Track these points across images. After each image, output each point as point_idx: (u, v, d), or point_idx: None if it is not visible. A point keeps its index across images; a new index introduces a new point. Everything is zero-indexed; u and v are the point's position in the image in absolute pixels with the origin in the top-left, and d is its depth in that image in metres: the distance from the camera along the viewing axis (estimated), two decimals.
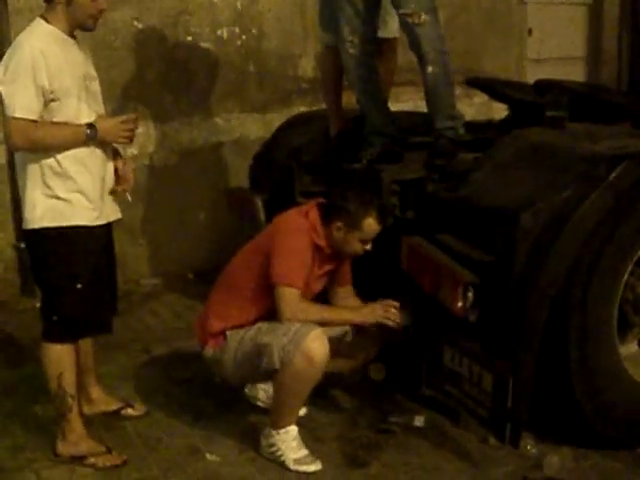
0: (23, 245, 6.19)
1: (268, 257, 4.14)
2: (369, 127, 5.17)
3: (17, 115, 3.93)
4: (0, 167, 6.45)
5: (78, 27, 4.11)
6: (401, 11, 4.98)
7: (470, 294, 3.87)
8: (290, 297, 4.06)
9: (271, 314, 4.14)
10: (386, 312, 4.21)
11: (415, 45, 4.98)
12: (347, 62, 5.15)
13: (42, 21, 4.05)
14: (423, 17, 4.93)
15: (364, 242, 4.22)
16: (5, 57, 4.05)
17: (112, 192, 4.26)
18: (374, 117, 5.18)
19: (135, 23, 6.63)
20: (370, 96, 5.19)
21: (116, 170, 4.29)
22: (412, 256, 4.25)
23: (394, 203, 4.56)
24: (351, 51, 5.10)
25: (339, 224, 4.18)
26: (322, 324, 4.10)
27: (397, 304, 4.23)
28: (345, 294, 4.51)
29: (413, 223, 4.47)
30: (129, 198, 4.37)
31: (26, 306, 6.28)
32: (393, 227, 4.41)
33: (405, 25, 5.00)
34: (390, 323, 4.22)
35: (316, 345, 3.99)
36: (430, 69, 4.98)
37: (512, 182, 4.14)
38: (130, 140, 4.19)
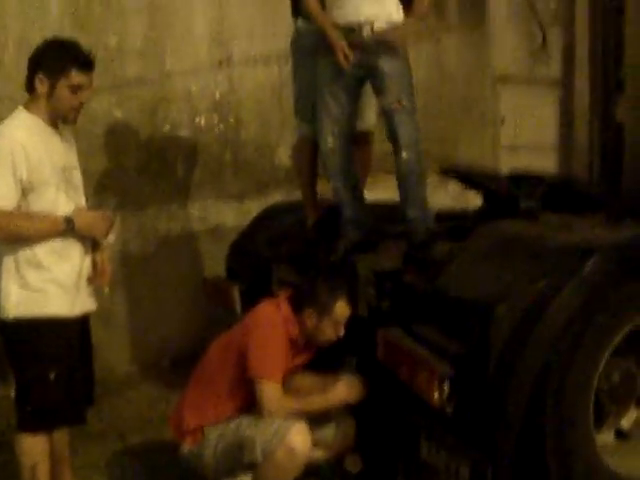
0: None
1: (243, 353, 4.16)
2: (345, 217, 5.21)
3: None
4: None
5: (59, 119, 4.15)
6: (383, 99, 5.07)
7: (446, 386, 3.87)
8: (271, 391, 4.08)
9: (247, 407, 4.14)
10: (353, 389, 4.28)
11: (392, 131, 5.06)
12: (326, 152, 5.20)
13: (24, 111, 4.09)
14: (404, 103, 5.04)
15: (336, 327, 4.24)
16: None
17: (89, 282, 4.26)
18: (350, 207, 5.23)
19: (114, 111, 6.69)
20: (347, 186, 5.24)
21: (94, 261, 4.30)
22: (388, 347, 4.26)
23: (370, 294, 4.58)
24: (330, 142, 5.16)
25: (310, 311, 4.22)
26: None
27: (357, 379, 4.28)
28: (302, 379, 4.50)
29: (389, 314, 4.49)
30: (106, 290, 4.37)
31: (1, 394, 6.22)
32: (369, 318, 4.43)
33: (385, 112, 5.09)
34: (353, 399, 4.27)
35: (299, 439, 4.03)
36: (405, 155, 5.05)
37: (487, 273, 4.17)
38: (106, 235, 4.21)
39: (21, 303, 4.04)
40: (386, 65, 5.05)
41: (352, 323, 4.32)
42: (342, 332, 4.26)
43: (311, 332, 4.25)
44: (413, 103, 5.12)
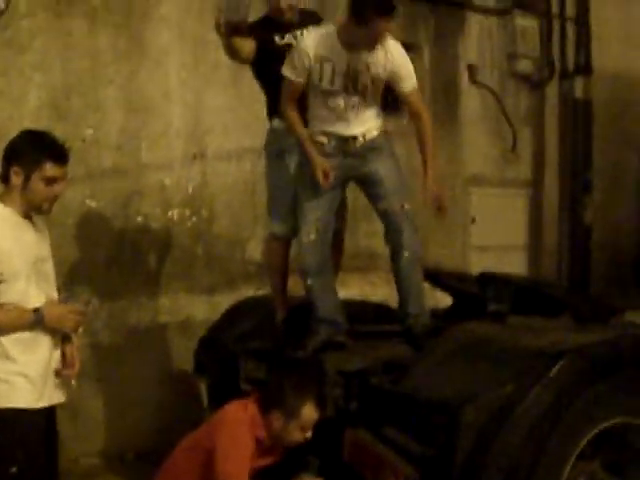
0: None
1: (210, 454, 4.11)
2: (316, 314, 5.22)
3: None
4: None
5: (33, 210, 4.16)
6: (383, 203, 5.19)
7: None
8: None
9: None
10: None
11: (394, 232, 5.20)
12: (307, 247, 5.23)
13: None
14: (406, 207, 5.19)
15: (303, 430, 4.21)
16: None
17: (56, 374, 4.24)
18: (323, 304, 5.24)
19: (87, 202, 6.72)
20: (322, 283, 5.26)
21: (63, 352, 4.28)
22: (355, 448, 4.25)
23: (338, 394, 4.57)
24: (312, 237, 5.20)
25: (277, 414, 4.18)
26: None
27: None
28: None
29: (356, 415, 4.48)
30: (73, 383, 4.33)
31: None
32: (336, 418, 4.42)
33: (385, 215, 5.21)
34: None
35: None
36: (407, 254, 5.17)
37: (454, 375, 4.19)
38: (76, 330, 4.19)
39: None
40: (381, 170, 5.20)
41: (319, 423, 4.30)
42: (310, 435, 4.22)
43: (278, 434, 4.21)
44: (410, 204, 5.26)
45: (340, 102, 5.08)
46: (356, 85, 5.05)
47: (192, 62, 7.15)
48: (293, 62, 5.05)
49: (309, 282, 5.23)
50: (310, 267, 5.23)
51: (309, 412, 4.18)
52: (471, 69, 8.96)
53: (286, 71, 5.07)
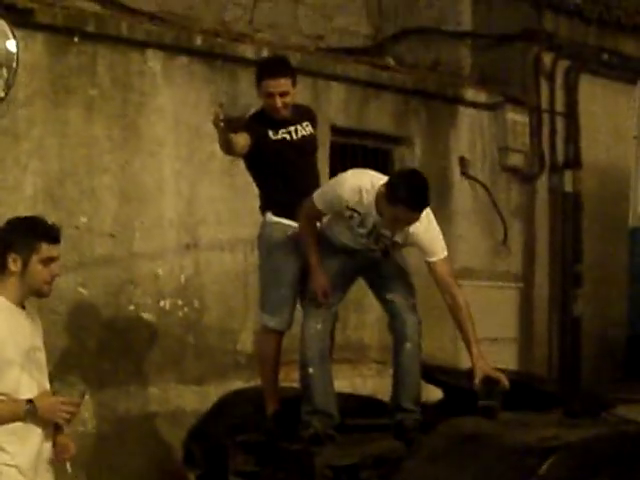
0: None
1: None
2: (310, 405, 5.20)
3: None
4: None
5: (33, 294, 4.18)
6: (388, 295, 5.29)
7: None
8: None
9: None
10: None
11: (397, 323, 5.29)
12: (309, 338, 5.27)
13: None
14: (412, 302, 5.32)
15: None
16: None
17: (56, 458, 4.21)
18: (320, 395, 5.23)
19: (80, 289, 6.72)
20: (322, 373, 5.28)
21: (57, 440, 4.25)
22: None
23: None
24: (319, 327, 5.25)
25: None
26: None
27: None
28: None
29: None
30: (69, 469, 4.31)
31: None
32: None
33: (392, 305, 5.31)
34: None
35: None
36: (408, 346, 5.25)
37: (444, 473, 4.18)
38: (68, 422, 4.17)
39: None
40: (390, 265, 5.33)
41: None
42: None
43: None
44: (415, 298, 5.36)
45: (360, 238, 5.19)
46: (377, 243, 5.19)
47: (187, 152, 7.22)
48: (327, 196, 5.18)
49: (310, 371, 5.24)
50: (313, 356, 5.26)
51: None
52: (462, 162, 9.04)
53: (317, 197, 5.20)
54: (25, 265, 4.07)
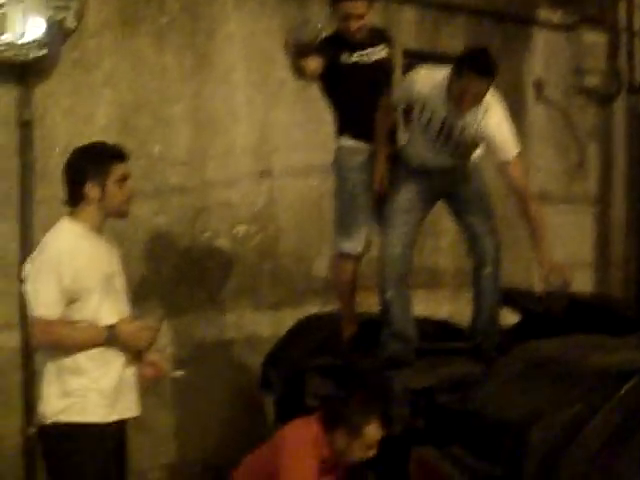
0: (31, 431, 6.22)
1: (272, 474, 4.12)
2: (389, 329, 5.22)
3: (39, 314, 4.02)
4: (14, 351, 6.51)
5: (113, 217, 4.26)
6: (468, 218, 5.33)
7: None
8: None
9: None
10: None
11: (477, 247, 5.33)
12: (391, 260, 5.28)
13: (69, 220, 4.17)
14: (492, 224, 5.35)
15: (367, 448, 4.19)
16: (33, 255, 4.17)
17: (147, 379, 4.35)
18: (398, 319, 5.25)
19: (155, 218, 6.80)
20: (401, 298, 5.29)
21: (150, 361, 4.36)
22: (421, 467, 4.23)
23: (404, 412, 4.57)
24: (397, 250, 5.25)
25: (341, 432, 4.17)
26: None
27: None
28: None
29: (423, 433, 4.47)
30: (180, 374, 4.39)
31: None
32: (402, 436, 4.41)
33: (472, 229, 5.34)
34: None
35: None
36: (489, 269, 5.29)
37: (522, 395, 4.17)
38: (149, 347, 4.24)
39: (60, 409, 4.06)
40: (469, 189, 5.33)
41: (384, 440, 4.29)
42: (373, 453, 4.21)
43: (341, 452, 4.21)
44: (494, 221, 5.36)
45: (434, 142, 5.13)
46: (448, 140, 5.10)
47: (258, 79, 7.19)
48: (402, 86, 5.25)
49: (388, 295, 5.25)
50: (391, 280, 5.26)
51: (373, 431, 4.17)
52: (537, 85, 8.90)
53: (395, 91, 5.29)
54: (103, 190, 4.13)
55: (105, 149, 4.25)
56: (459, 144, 5.10)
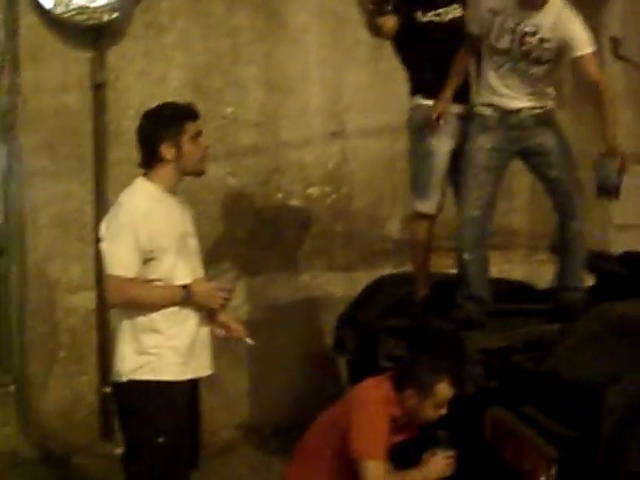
0: (106, 390, 6.33)
1: (345, 432, 4.13)
2: (465, 291, 5.19)
3: (115, 273, 4.06)
4: (89, 312, 6.61)
5: (191, 174, 4.28)
6: (550, 172, 5.21)
7: (553, 470, 3.82)
8: (374, 470, 4.05)
9: None
10: (449, 464, 4.17)
11: (561, 203, 5.24)
12: (469, 223, 5.22)
13: (144, 180, 4.20)
14: (576, 177, 5.25)
15: (438, 408, 4.18)
16: (108, 215, 4.22)
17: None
18: (474, 281, 5.20)
19: (227, 179, 6.83)
20: (478, 260, 5.23)
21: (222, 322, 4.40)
22: (495, 427, 4.22)
23: (478, 372, 4.55)
24: (475, 213, 5.19)
25: (412, 392, 4.16)
26: None
27: (453, 454, 4.19)
28: None
29: (497, 393, 4.45)
30: (251, 342, 4.43)
31: (105, 451, 6.33)
32: (476, 397, 4.40)
33: (557, 183, 5.23)
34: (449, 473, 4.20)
35: None
36: (575, 225, 5.21)
37: (598, 356, 4.13)
38: (223, 307, 4.26)
39: (136, 367, 4.11)
40: (550, 141, 5.21)
41: (458, 400, 4.27)
42: (444, 412, 4.19)
43: (412, 412, 4.20)
44: (576, 176, 5.27)
45: (506, 64, 5.05)
46: (522, 47, 5.01)
47: (331, 40, 7.14)
48: (472, 11, 5.20)
49: (466, 257, 5.19)
50: (469, 242, 5.21)
51: (444, 390, 4.14)
52: (614, 42, 8.72)
53: (467, 15, 5.23)
54: (178, 150, 4.14)
55: (176, 109, 4.25)
56: (532, 56, 5.03)
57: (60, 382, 6.62)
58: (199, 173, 4.30)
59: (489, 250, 5.40)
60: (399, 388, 4.19)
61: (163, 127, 4.15)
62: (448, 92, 5.27)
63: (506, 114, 5.15)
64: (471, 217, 5.19)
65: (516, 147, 5.23)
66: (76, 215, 6.56)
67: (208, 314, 4.29)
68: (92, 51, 6.55)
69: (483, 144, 5.17)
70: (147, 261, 4.08)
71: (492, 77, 5.15)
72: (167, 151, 4.14)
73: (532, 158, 5.29)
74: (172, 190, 4.23)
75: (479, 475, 4.29)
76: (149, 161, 4.20)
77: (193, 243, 4.32)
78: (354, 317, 5.86)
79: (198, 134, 4.20)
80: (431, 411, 4.17)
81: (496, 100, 5.15)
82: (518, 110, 5.14)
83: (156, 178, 4.18)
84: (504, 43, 5.03)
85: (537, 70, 5.09)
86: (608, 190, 4.94)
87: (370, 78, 7.21)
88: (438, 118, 5.24)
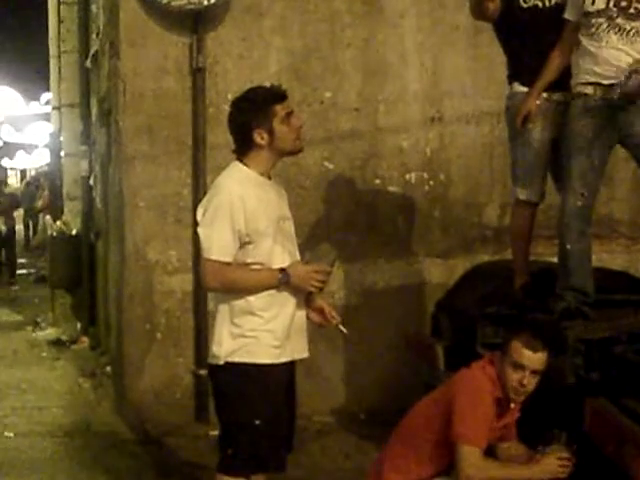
0: (201, 372, 6.39)
1: (448, 415, 4.11)
2: (566, 281, 5.08)
3: (212, 257, 4.07)
4: (186, 294, 6.68)
5: (288, 154, 4.28)
6: None
7: None
8: (471, 456, 4.02)
9: (449, 471, 4.11)
10: (562, 467, 4.07)
11: None
12: (570, 213, 5.11)
13: (240, 165, 4.19)
14: None
15: (515, 370, 4.09)
16: (205, 199, 4.22)
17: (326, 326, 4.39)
18: (576, 272, 5.08)
19: (325, 164, 6.83)
20: (581, 251, 5.12)
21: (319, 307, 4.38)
22: (595, 419, 4.14)
23: (579, 363, 4.47)
24: (579, 203, 5.06)
25: (497, 357, 4.15)
26: None
27: (570, 456, 4.08)
28: (510, 449, 4.38)
29: (598, 385, 4.36)
30: (344, 331, 4.42)
31: (200, 432, 6.40)
32: (577, 387, 4.32)
33: None
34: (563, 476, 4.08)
35: None
36: None
37: None
38: (321, 289, 4.24)
39: (233, 350, 4.12)
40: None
41: (560, 392, 4.20)
42: (525, 378, 4.10)
43: (504, 385, 4.15)
44: None
45: (603, 24, 4.87)
46: (621, 3, 4.84)
47: (429, 24, 7.08)
48: None
49: (568, 247, 5.07)
50: (572, 233, 5.07)
51: (518, 347, 4.07)
52: None
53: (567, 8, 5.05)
54: (271, 134, 4.12)
55: (264, 93, 4.23)
56: (631, 10, 4.82)
57: (156, 364, 6.71)
58: (296, 151, 4.27)
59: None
60: (498, 368, 4.17)
61: (253, 114, 4.14)
62: (540, 87, 5.10)
63: (606, 90, 4.92)
64: (575, 207, 5.06)
65: (618, 128, 5.01)
66: (174, 198, 6.63)
67: (305, 298, 4.28)
68: (191, 36, 6.61)
69: (584, 126, 5.02)
70: (244, 245, 4.08)
71: (590, 45, 4.92)
72: (260, 137, 4.13)
73: (629, 141, 5.05)
74: (267, 173, 4.23)
75: (578, 467, 4.20)
76: (243, 148, 4.20)
77: (289, 226, 4.31)
78: (452, 304, 5.80)
79: (289, 114, 4.16)
80: (510, 372, 4.09)
81: (597, 69, 4.91)
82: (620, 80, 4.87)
83: (251, 163, 4.18)
84: (600, 3, 4.87)
85: (637, 24, 4.91)
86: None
87: (469, 63, 7.13)
88: (525, 118, 5.11)
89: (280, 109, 4.14)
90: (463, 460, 4.02)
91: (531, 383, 4.11)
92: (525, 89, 5.27)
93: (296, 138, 4.19)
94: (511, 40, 5.38)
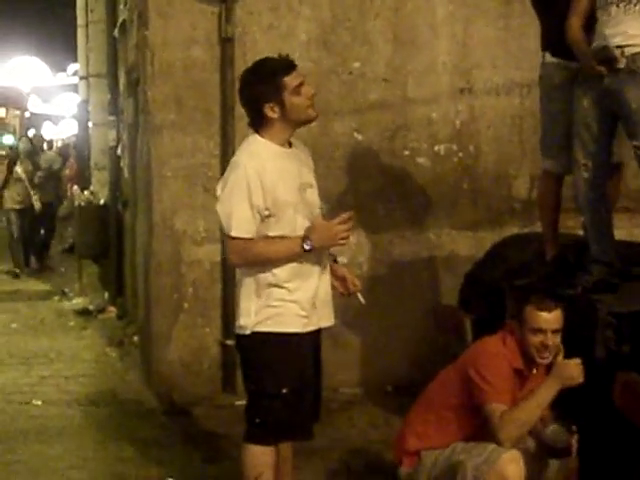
0: (229, 342, 6.40)
1: (467, 382, 4.15)
2: (590, 254, 5.05)
3: (233, 234, 4.08)
4: (214, 265, 6.68)
5: (302, 124, 4.24)
6: (636, 142, 4.89)
7: None
8: (497, 412, 4.04)
9: (468, 437, 4.15)
10: (576, 370, 4.11)
11: None
12: (579, 185, 5.06)
13: (257, 137, 4.18)
14: None
15: (535, 335, 4.13)
16: (224, 176, 4.23)
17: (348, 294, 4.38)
18: (597, 244, 5.05)
19: (354, 135, 6.79)
20: (596, 222, 5.07)
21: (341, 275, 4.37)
22: (626, 393, 4.12)
23: (609, 336, 4.44)
24: (585, 175, 5.01)
25: (515, 326, 4.18)
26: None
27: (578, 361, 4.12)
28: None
29: (629, 358, 4.33)
30: (362, 300, 4.41)
31: (226, 402, 6.43)
32: (607, 361, 4.30)
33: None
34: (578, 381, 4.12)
35: (511, 467, 3.97)
36: None
37: None
38: (346, 239, 4.16)
39: (259, 320, 4.13)
40: (635, 100, 4.77)
41: (589, 365, 4.17)
42: (548, 339, 4.12)
43: (524, 348, 4.18)
44: None
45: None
46: None
47: None
48: None
49: (585, 220, 5.06)
50: (585, 205, 5.05)
51: (532, 311, 4.17)
52: None
53: None
54: (282, 106, 4.10)
55: (272, 65, 4.19)
56: None
57: (183, 334, 6.72)
58: (309, 120, 4.24)
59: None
60: (517, 337, 4.19)
61: (261, 87, 4.12)
62: (584, 50, 4.97)
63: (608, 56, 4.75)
64: (582, 179, 5.01)
65: (612, 102, 4.86)
66: (202, 168, 6.62)
67: (330, 267, 4.30)
68: (220, 5, 6.58)
69: (582, 99, 4.94)
70: (265, 218, 4.08)
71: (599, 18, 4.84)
72: (271, 110, 4.11)
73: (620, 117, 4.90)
74: (285, 143, 4.20)
75: (608, 439, 4.19)
76: (257, 121, 4.18)
77: (311, 194, 4.28)
78: (480, 276, 5.76)
79: (300, 84, 4.13)
80: (531, 337, 4.17)
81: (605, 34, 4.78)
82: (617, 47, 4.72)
83: (268, 135, 4.16)
84: None
85: None
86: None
87: (499, 34, 7.06)
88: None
89: (289, 80, 4.11)
90: (493, 419, 4.05)
91: (555, 342, 4.17)
92: (555, 59, 5.21)
93: (308, 107, 4.16)
94: (544, 8, 5.32)
